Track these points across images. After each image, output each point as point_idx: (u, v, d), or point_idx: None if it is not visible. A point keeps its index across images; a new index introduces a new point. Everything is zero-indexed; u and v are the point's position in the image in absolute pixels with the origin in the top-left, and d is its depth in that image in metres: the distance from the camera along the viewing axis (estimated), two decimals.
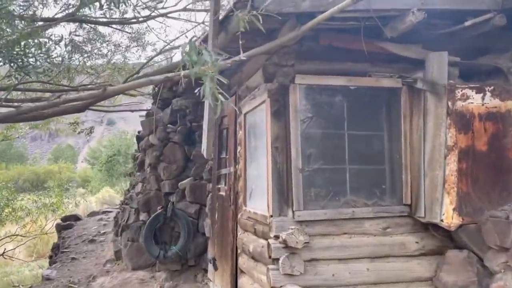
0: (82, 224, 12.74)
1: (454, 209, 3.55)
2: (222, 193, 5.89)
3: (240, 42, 3.18)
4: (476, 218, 3.57)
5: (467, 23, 3.67)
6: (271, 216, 3.80)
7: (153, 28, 11.83)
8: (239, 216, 5.15)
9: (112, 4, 6.59)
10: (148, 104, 10.81)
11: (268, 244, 3.73)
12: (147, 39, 9.74)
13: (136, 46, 10.09)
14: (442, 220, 3.57)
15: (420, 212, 3.74)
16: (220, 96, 2.26)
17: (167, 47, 8.00)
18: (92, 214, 15.18)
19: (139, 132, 8.18)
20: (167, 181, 7.05)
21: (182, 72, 3.28)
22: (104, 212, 15.62)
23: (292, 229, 3.59)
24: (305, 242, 3.54)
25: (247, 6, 3.12)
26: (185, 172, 7.12)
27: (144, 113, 11.81)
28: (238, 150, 5.29)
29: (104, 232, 11.73)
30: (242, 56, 3.36)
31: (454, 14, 3.70)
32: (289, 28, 3.43)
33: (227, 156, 5.97)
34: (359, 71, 3.99)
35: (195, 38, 4.56)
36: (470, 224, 3.58)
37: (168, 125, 7.17)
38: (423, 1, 3.47)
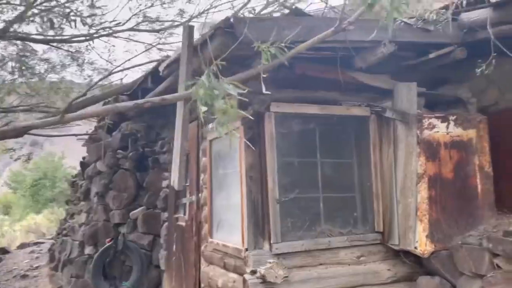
0: (12, 257, 11.65)
1: (426, 236, 3.62)
2: (182, 223, 5.60)
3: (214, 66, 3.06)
4: (447, 245, 3.67)
5: (431, 55, 3.84)
6: (247, 249, 3.64)
7: (94, 47, 11.34)
8: (202, 247, 4.91)
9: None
10: (86, 127, 10.21)
11: (244, 280, 3.55)
12: (90, 58, 9.31)
13: (77, 66, 9.61)
14: (416, 247, 3.62)
15: (393, 240, 3.77)
16: (234, 132, 2.14)
17: (117, 69, 7.61)
18: (22, 246, 13.98)
19: (83, 158, 7.65)
20: (117, 211, 6.60)
21: (169, 97, 3.09)
22: (36, 244, 14.41)
23: (270, 263, 3.45)
24: (285, 276, 3.41)
25: (228, 33, 3.03)
26: (137, 201, 6.72)
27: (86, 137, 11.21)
28: (201, 178, 5.09)
29: (38, 266, 10.78)
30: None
31: (420, 47, 3.87)
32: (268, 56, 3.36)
33: (187, 184, 5.72)
34: (330, 99, 4.01)
35: (160, 61, 4.35)
36: (442, 250, 3.66)
37: (118, 151, 6.76)
38: (393, 34, 3.58)
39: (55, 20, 5.60)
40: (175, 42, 8.55)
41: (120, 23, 7.85)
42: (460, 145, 3.88)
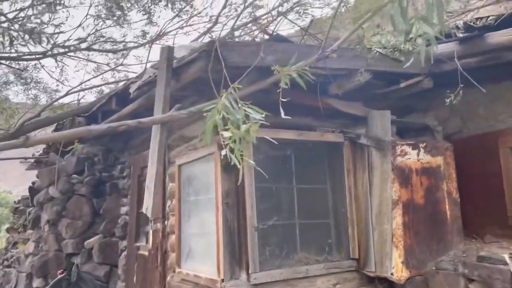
0: None
1: (402, 262, 3.65)
2: (144, 252, 5.31)
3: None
4: (421, 270, 3.72)
5: (402, 84, 3.98)
6: (223, 280, 3.48)
7: (43, 66, 10.82)
8: (168, 278, 4.66)
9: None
10: (28, 149, 9.58)
11: None
12: (37, 77, 8.85)
13: (23, 84, 9.10)
14: (392, 274, 3.63)
15: (370, 267, 3.77)
16: (249, 161, 2.05)
17: (75, 89, 7.24)
18: None
19: (33, 183, 7.12)
20: (70, 240, 6.16)
21: (146, 120, 2.93)
22: None
23: None
24: None
25: (212, 55, 2.95)
26: (92, 228, 6.32)
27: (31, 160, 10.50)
28: (167, 205, 4.87)
29: None
30: (198, 108, 3.15)
31: (391, 76, 3.99)
32: (248, 81, 3.32)
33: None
34: (305, 125, 4.01)
35: (128, 81, 4.16)
36: (416, 276, 3.70)
37: (73, 175, 6.37)
38: (368, 63, 3.67)
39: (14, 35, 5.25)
40: (132, 64, 8.31)
41: (78, 41, 7.51)
42: (429, 172, 3.99)
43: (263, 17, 6.77)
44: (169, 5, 7.07)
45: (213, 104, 2.23)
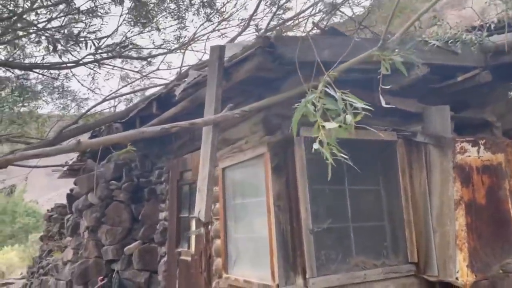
0: None
1: (467, 266, 3.44)
2: (186, 257, 5.22)
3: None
4: (486, 274, 3.49)
5: (459, 78, 3.77)
6: (278, 285, 3.34)
7: (74, 75, 10.94)
8: (214, 284, 4.55)
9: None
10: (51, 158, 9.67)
11: None
12: (68, 86, 8.94)
13: (55, 94, 9.19)
14: (457, 278, 3.42)
15: (432, 271, 3.56)
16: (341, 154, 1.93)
17: (110, 96, 7.27)
18: None
19: (71, 190, 7.15)
20: (110, 247, 6.13)
21: (199, 121, 2.84)
22: (4, 284, 13.42)
23: None
24: None
25: (267, 52, 2.84)
26: (131, 234, 6.28)
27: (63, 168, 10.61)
28: (211, 209, 4.76)
29: None
30: (252, 107, 3.04)
31: (447, 70, 3.80)
32: (303, 77, 3.19)
33: (191, 216, 5.37)
34: (356, 123, 3.84)
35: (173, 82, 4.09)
36: (482, 280, 3.48)
37: (112, 182, 6.35)
38: (424, 56, 3.49)
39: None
40: (162, 69, 8.26)
41: (109, 49, 7.53)
42: (490, 170, 3.78)
43: (298, 17, 6.66)
44: (202, 10, 7.03)
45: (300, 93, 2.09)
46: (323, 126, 2.01)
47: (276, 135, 3.51)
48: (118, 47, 7.69)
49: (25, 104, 7.15)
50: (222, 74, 3.16)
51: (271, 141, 3.57)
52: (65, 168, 10.51)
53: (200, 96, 3.91)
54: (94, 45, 5.30)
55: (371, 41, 3.33)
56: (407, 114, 3.96)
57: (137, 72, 9.57)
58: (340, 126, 2.00)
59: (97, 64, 8.38)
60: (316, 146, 2.03)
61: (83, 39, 5.23)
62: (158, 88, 6.74)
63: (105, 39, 7.58)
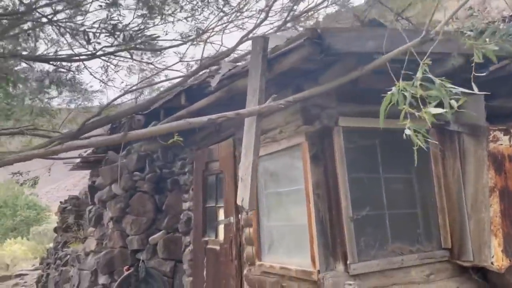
0: None
1: (502, 251, 3.53)
2: (214, 246, 5.32)
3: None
4: None
5: (491, 68, 3.83)
6: (319, 271, 3.43)
7: (86, 67, 10.96)
8: (245, 272, 4.65)
9: None
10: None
11: None
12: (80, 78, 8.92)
13: (70, 86, 9.21)
14: (492, 263, 3.52)
15: (467, 256, 3.66)
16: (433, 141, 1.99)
17: (132, 88, 7.30)
18: (3, 278, 13.16)
19: (93, 182, 7.23)
20: (135, 237, 6.23)
21: (244, 111, 2.91)
22: (18, 276, 13.57)
23: (350, 285, 3.26)
24: None
25: (315, 43, 2.90)
26: (155, 224, 6.38)
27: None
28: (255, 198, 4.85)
29: None
30: (296, 97, 3.11)
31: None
32: (344, 68, 3.25)
33: (218, 205, 5.47)
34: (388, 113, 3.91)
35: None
36: None
37: (135, 173, 6.43)
38: (459, 47, 3.54)
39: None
40: (185, 60, 8.24)
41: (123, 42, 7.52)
42: None
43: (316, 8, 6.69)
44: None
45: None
46: (426, 112, 2.06)
47: (314, 125, 3.58)
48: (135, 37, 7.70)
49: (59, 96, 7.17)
50: (266, 65, 3.22)
51: (308, 130, 3.64)
52: (78, 160, 10.64)
53: (235, 87, 3.99)
54: (125, 37, 5.33)
55: (411, 32, 3.38)
56: (438, 104, 4.02)
57: (151, 63, 9.62)
58: (446, 112, 2.05)
59: (111, 57, 8.41)
60: (408, 132, 2.10)
61: (115, 31, 5.26)
62: (177, 79, 6.76)
63: (119, 32, 7.58)
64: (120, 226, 6.38)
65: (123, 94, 6.75)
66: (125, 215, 6.35)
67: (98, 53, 7.66)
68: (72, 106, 9.30)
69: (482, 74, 3.78)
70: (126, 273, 5.99)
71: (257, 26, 7.20)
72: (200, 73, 5.87)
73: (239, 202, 3.40)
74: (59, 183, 41.46)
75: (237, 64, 4.03)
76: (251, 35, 7.22)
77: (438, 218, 3.87)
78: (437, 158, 3.94)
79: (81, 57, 7.68)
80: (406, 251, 3.68)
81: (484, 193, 3.60)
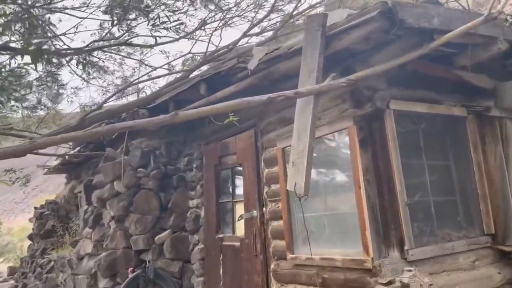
0: None
1: None
2: (232, 242, 5.10)
3: None
4: None
5: None
6: (373, 259, 3.31)
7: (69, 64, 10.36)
8: (272, 266, 4.46)
9: None
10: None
11: None
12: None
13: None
14: None
15: (511, 240, 3.64)
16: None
17: (135, 81, 6.92)
18: None
19: (90, 180, 6.80)
20: (140, 236, 5.88)
21: (303, 90, 2.77)
22: None
23: (410, 270, 3.15)
24: (430, 285, 3.12)
25: (386, 17, 2.80)
26: (159, 223, 6.06)
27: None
28: (265, 191, 4.67)
29: None
30: (358, 75, 2.99)
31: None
32: (406, 44, 3.17)
33: (235, 200, 5.25)
34: (430, 98, 3.88)
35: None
36: None
37: (139, 169, 6.10)
38: (504, 32, 3.56)
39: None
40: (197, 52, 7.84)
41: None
42: None
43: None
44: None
45: None
46: None
47: (364, 108, 3.47)
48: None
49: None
50: (325, 42, 3.09)
51: (357, 114, 3.53)
52: (57, 162, 10.07)
53: (276, 71, 3.83)
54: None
55: (465, 13, 3.36)
56: (475, 90, 4.03)
57: (139, 60, 9.23)
58: None
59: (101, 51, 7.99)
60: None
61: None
62: (179, 74, 6.48)
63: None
64: (123, 225, 6.01)
65: (127, 86, 6.40)
66: (128, 214, 5.99)
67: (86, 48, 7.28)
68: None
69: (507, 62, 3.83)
70: (132, 274, 5.63)
71: (260, 21, 7.07)
72: (202, 68, 5.68)
73: (290, 188, 3.22)
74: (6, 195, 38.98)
75: (277, 47, 3.87)
76: (253, 30, 7.09)
77: (479, 205, 3.85)
78: (477, 144, 3.93)
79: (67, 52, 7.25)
80: (454, 237, 3.63)
81: None
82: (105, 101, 6.28)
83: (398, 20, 2.78)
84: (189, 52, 6.58)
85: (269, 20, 7.53)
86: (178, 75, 6.58)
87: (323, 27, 3.07)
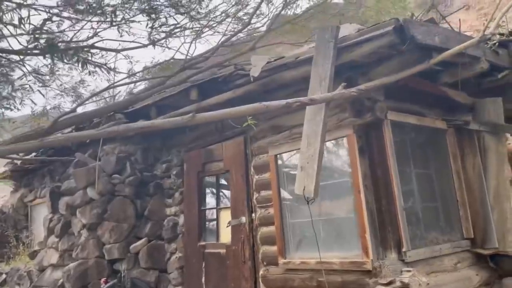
0: None
1: None
2: (217, 250, 5.09)
3: None
4: None
5: (500, 75, 4.29)
6: (372, 261, 3.48)
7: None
8: (261, 272, 4.51)
9: None
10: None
11: None
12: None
13: None
14: None
15: (491, 244, 3.98)
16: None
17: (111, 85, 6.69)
18: None
19: (57, 187, 6.47)
20: (115, 245, 5.67)
21: (317, 97, 2.91)
22: None
23: (410, 271, 3.35)
24: (427, 284, 3.34)
25: (398, 33, 3.03)
26: (133, 232, 5.89)
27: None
28: (254, 197, 4.73)
29: None
30: (368, 85, 3.19)
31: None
32: (404, 61, 3.42)
33: (220, 207, 5.25)
34: (415, 111, 4.17)
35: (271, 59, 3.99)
36: None
37: (114, 175, 5.92)
38: (485, 53, 3.93)
39: None
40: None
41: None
42: None
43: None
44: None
45: None
46: None
47: (365, 117, 3.67)
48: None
49: None
50: (336, 53, 3.26)
51: (356, 123, 3.73)
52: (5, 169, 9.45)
53: (279, 79, 3.95)
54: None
55: (460, 34, 3.68)
56: (455, 105, 4.39)
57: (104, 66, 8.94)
58: None
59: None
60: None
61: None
62: (159, 79, 6.40)
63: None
64: (96, 234, 5.77)
65: (106, 89, 6.21)
66: (101, 222, 5.77)
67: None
68: None
69: (494, 78, 4.24)
70: (106, 285, 5.41)
71: (238, 31, 7.20)
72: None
73: (298, 191, 3.33)
74: None
75: (281, 56, 3.99)
76: (233, 38, 7.21)
77: (458, 211, 4.17)
78: (456, 155, 4.27)
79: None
80: (440, 240, 3.90)
81: (505, 186, 3.98)
82: (79, 105, 6.06)
83: (409, 36, 3.01)
84: (172, 59, 6.49)
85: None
86: (155, 81, 6.51)
87: (335, 38, 3.25)
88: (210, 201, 5.54)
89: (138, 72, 7.15)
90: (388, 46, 3.15)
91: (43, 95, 7.28)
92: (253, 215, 4.72)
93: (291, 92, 4.08)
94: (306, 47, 4.16)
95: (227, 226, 4.89)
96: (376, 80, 3.31)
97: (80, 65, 4.45)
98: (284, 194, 4.42)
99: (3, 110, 7.69)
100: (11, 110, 5.82)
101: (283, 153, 4.44)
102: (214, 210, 5.37)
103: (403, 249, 3.48)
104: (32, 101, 6.45)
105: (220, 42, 7.00)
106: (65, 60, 4.28)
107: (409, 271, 3.35)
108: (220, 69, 4.74)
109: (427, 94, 4.18)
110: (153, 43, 5.57)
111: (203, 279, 5.18)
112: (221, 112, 3.03)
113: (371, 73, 3.63)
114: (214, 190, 5.48)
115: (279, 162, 4.51)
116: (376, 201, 3.65)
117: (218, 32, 7.67)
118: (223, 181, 5.40)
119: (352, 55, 3.31)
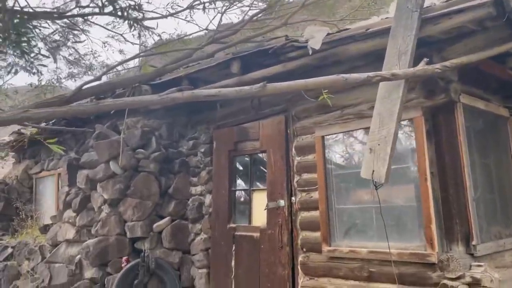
0: None
1: None
2: (249, 233, 4.83)
3: None
4: None
5: None
6: (437, 253, 3.23)
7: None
8: (300, 259, 4.27)
9: None
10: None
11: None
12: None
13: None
14: None
15: None
16: None
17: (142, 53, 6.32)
18: None
19: (76, 159, 6.13)
20: (138, 223, 5.39)
21: (400, 72, 2.62)
22: None
23: (481, 265, 3.11)
24: (499, 280, 3.10)
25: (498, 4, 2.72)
26: (155, 210, 5.61)
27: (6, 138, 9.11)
28: (295, 180, 4.46)
29: None
30: (453, 62, 2.90)
31: None
32: (490, 38, 3.13)
33: (253, 188, 4.98)
34: (479, 95, 3.89)
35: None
36: None
37: (138, 150, 5.60)
38: None
39: None
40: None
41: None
42: None
43: None
44: None
45: None
46: None
47: (436, 99, 3.38)
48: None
49: None
50: (420, 24, 2.95)
51: (425, 105, 3.44)
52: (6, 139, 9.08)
53: (341, 52, 3.64)
54: None
55: None
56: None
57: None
58: None
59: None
60: None
61: None
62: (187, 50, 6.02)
63: None
64: (117, 210, 5.48)
65: (132, 58, 5.83)
66: (124, 198, 5.48)
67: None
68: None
69: None
70: (129, 264, 5.15)
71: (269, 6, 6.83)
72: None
73: (365, 175, 3.06)
74: None
75: (347, 28, 3.68)
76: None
77: None
78: None
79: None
80: (503, 235, 3.66)
81: None
82: (104, 73, 5.71)
83: (510, 9, 2.71)
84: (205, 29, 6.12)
85: None
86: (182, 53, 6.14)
87: (421, 8, 2.94)
88: (240, 181, 5.27)
89: (163, 43, 6.74)
90: (479, 20, 2.84)
91: (55, 60, 6.85)
92: (293, 198, 4.45)
93: (346, 69, 3.77)
94: (374, 19, 3.82)
95: (265, 209, 4.62)
96: (463, 57, 3.01)
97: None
98: (332, 177, 4.14)
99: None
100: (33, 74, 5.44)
101: (332, 134, 4.15)
102: (244, 192, 5.10)
103: (473, 243, 3.23)
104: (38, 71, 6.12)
105: (250, 16, 6.67)
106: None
107: (480, 265, 3.10)
108: (291, 39, 4.33)
109: (492, 79, 3.90)
110: (191, 7, 5.20)
111: (232, 262, 4.93)
112: (295, 83, 2.72)
113: (446, 50, 3.33)
114: (246, 170, 5.19)
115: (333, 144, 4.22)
116: (442, 189, 3.39)
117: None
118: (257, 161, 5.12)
119: (435, 28, 3.00)
